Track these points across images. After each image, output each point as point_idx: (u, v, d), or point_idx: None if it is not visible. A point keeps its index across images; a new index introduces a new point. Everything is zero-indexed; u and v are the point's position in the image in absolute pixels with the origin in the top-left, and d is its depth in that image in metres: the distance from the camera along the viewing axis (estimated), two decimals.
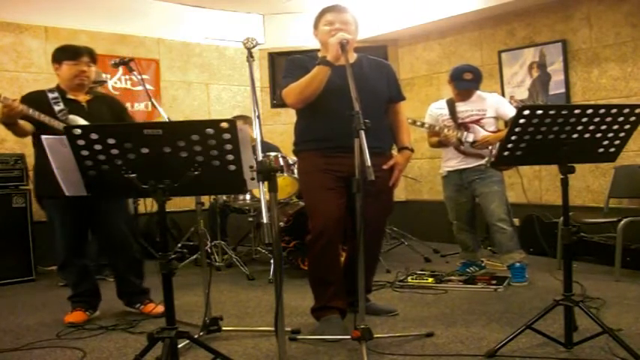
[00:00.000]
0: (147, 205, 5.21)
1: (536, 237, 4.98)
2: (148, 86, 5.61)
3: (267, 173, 2.11)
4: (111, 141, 2.05)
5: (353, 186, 2.41)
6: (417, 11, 5.86)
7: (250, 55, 2.61)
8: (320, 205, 2.96)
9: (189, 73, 6.29)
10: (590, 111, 2.38)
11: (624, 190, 4.63)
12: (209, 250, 4.96)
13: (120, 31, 5.80)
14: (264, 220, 2.06)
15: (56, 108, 3.24)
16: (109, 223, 3.43)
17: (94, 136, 2.04)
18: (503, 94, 5.42)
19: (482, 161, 4.12)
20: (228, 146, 2.06)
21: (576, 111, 2.38)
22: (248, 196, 4.75)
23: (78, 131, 2.05)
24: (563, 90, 5.22)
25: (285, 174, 4.52)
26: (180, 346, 2.36)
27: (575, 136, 2.44)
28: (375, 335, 2.57)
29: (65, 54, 3.34)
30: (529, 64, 5.42)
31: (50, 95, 3.29)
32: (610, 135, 2.48)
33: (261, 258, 5.28)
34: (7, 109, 3.00)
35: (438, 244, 5.58)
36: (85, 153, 2.08)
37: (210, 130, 2.02)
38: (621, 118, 2.42)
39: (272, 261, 4.41)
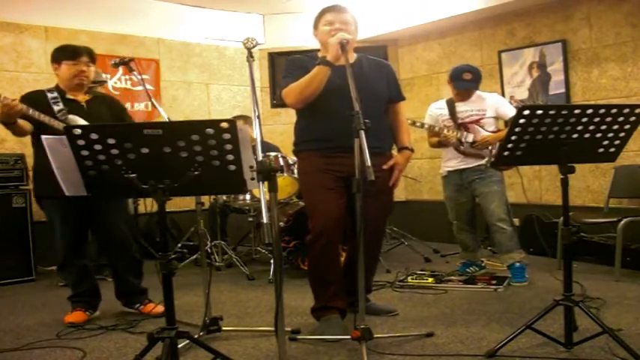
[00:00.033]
0: (147, 205, 5.22)
1: (536, 237, 4.98)
2: (148, 86, 5.60)
3: (267, 173, 2.11)
4: (111, 141, 2.05)
5: (353, 186, 2.41)
6: (417, 11, 5.86)
7: (250, 55, 2.61)
8: (320, 205, 2.96)
9: (189, 73, 6.29)
10: (590, 111, 2.39)
11: (624, 190, 4.63)
12: (209, 250, 4.96)
13: (120, 31, 5.80)
14: (264, 220, 2.06)
15: (55, 108, 3.24)
16: (108, 222, 3.42)
17: (94, 136, 2.04)
18: (503, 94, 5.42)
19: (483, 161, 4.12)
20: (228, 146, 2.06)
21: (576, 111, 2.38)
22: (248, 196, 4.75)
23: (78, 131, 2.05)
24: (563, 90, 5.22)
25: (285, 174, 4.52)
26: (180, 346, 2.36)
27: (575, 136, 2.44)
28: (375, 335, 2.57)
29: (64, 54, 3.34)
30: (529, 64, 5.42)
31: (49, 95, 3.29)
32: (610, 135, 2.48)
33: (261, 258, 5.28)
34: (6, 109, 3.00)
35: (438, 244, 5.58)
36: (85, 153, 2.08)
37: (210, 130, 2.02)
38: (621, 118, 2.42)
39: (272, 261, 4.41)
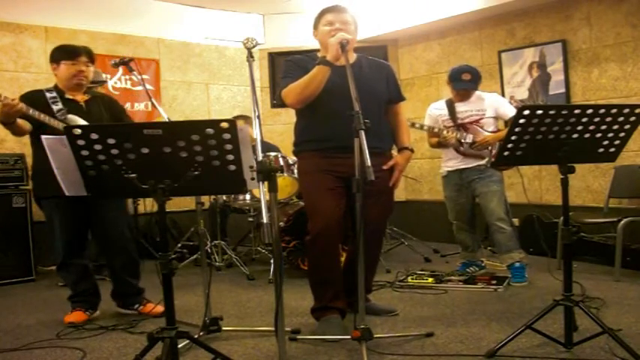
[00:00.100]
0: (147, 205, 5.21)
1: (536, 237, 4.97)
2: (148, 86, 5.60)
3: (267, 173, 2.11)
4: (111, 141, 2.05)
5: (353, 186, 2.41)
6: (417, 11, 5.86)
7: (250, 55, 2.61)
8: (320, 205, 2.96)
9: (189, 73, 6.29)
10: (590, 111, 2.38)
11: (624, 190, 4.63)
12: (209, 250, 4.96)
13: (120, 31, 5.80)
14: (264, 220, 2.06)
15: (55, 108, 3.24)
16: (107, 222, 3.42)
17: (94, 136, 2.04)
18: (503, 94, 5.42)
19: (483, 162, 4.12)
20: (228, 146, 2.06)
21: (576, 111, 2.38)
22: (248, 196, 4.75)
23: (78, 131, 2.05)
24: (563, 90, 5.22)
25: (285, 174, 4.51)
26: (180, 346, 2.36)
27: (575, 136, 2.44)
28: (375, 335, 2.57)
29: (63, 54, 3.34)
30: (529, 64, 5.42)
31: (48, 95, 3.29)
32: (610, 135, 2.48)
33: (261, 258, 5.28)
34: (7, 108, 3.00)
35: (438, 244, 5.58)
36: (85, 153, 2.07)
37: (210, 130, 2.02)
38: (621, 118, 2.42)
39: (272, 261, 4.41)
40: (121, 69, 5.14)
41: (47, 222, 3.41)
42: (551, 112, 2.36)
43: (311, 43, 3.29)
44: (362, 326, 2.49)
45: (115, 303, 3.57)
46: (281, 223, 4.42)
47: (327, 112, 2.92)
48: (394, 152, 3.18)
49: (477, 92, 4.20)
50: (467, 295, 3.74)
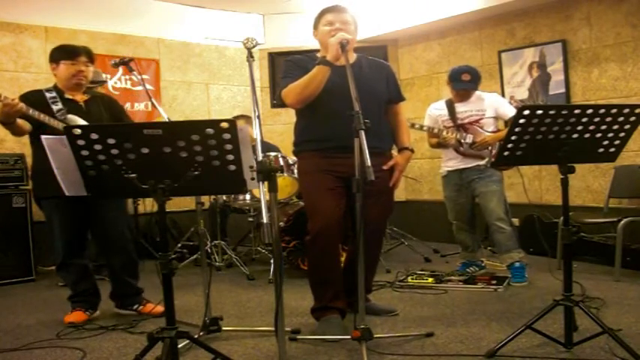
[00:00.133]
0: (147, 205, 5.21)
1: (537, 237, 4.97)
2: (148, 86, 5.60)
3: (267, 173, 2.11)
4: (111, 141, 2.05)
5: (353, 186, 2.41)
6: (417, 11, 5.86)
7: (250, 55, 2.61)
8: (320, 205, 2.96)
9: (189, 73, 6.29)
10: (590, 111, 2.38)
11: (624, 190, 4.63)
12: (209, 250, 4.96)
13: (120, 31, 5.80)
14: (264, 220, 2.06)
15: (54, 107, 3.24)
16: (107, 222, 3.42)
17: (94, 136, 2.04)
18: (503, 94, 5.42)
19: (482, 162, 4.12)
20: (228, 146, 2.06)
21: (576, 111, 2.38)
22: (248, 196, 4.75)
23: (78, 131, 2.05)
24: (563, 90, 5.22)
25: (285, 174, 4.51)
26: (180, 346, 2.36)
27: (575, 136, 2.44)
28: (375, 335, 2.57)
29: (62, 54, 3.34)
30: (529, 64, 5.42)
31: (48, 95, 3.29)
32: (610, 135, 2.48)
33: (261, 258, 5.28)
34: (7, 108, 2.99)
35: (438, 244, 5.58)
36: (85, 153, 2.07)
37: (210, 130, 2.02)
38: (621, 118, 2.42)
39: (272, 261, 4.41)
40: (121, 69, 5.14)
41: (47, 222, 3.41)
42: (551, 112, 2.36)
43: (311, 43, 3.29)
44: (362, 326, 2.48)
45: (114, 304, 3.57)
46: (281, 223, 4.42)
47: (327, 112, 2.92)
48: (394, 152, 3.18)
49: (477, 92, 4.20)
50: (467, 295, 3.74)
